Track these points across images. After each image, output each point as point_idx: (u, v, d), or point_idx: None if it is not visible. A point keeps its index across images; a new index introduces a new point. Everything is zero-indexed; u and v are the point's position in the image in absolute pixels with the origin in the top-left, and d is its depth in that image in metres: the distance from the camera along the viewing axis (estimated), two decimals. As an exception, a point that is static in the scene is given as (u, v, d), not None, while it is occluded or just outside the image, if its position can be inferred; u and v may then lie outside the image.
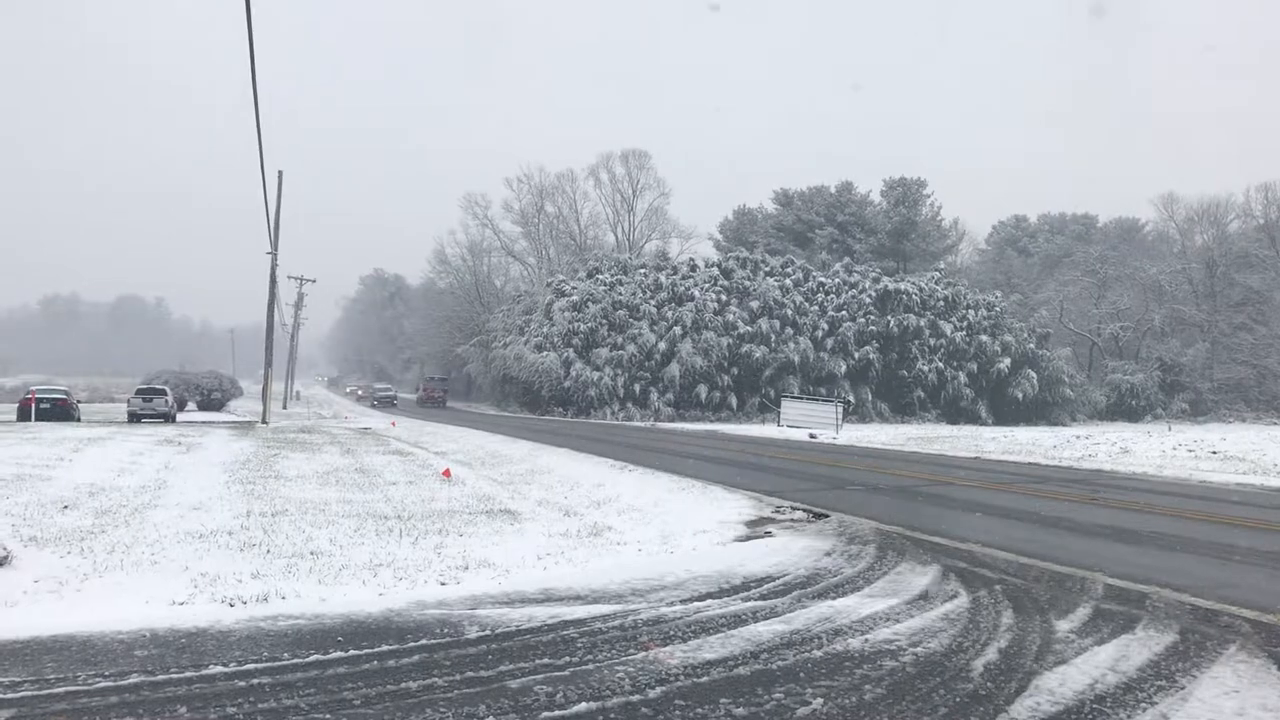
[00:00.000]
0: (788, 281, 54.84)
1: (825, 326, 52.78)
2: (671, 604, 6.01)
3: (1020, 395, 52.44)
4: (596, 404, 48.82)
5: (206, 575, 6.55)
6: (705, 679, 4.46)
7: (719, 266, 57.30)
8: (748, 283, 54.44)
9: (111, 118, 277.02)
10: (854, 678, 4.51)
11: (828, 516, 10.32)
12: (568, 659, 4.74)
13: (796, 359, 50.46)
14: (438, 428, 32.85)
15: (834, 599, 6.22)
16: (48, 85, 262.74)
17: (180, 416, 39.82)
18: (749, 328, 51.37)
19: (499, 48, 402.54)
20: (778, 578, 6.91)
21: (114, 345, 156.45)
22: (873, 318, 53.40)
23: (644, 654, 4.85)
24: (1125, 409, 57.06)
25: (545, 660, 4.71)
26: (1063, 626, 5.56)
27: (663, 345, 50.00)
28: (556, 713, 3.98)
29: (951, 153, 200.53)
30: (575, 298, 52.40)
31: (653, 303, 52.33)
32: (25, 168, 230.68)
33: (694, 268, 58.01)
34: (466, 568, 7.14)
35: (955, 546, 8.46)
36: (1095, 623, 5.66)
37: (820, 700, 4.18)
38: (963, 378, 52.32)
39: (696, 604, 6.02)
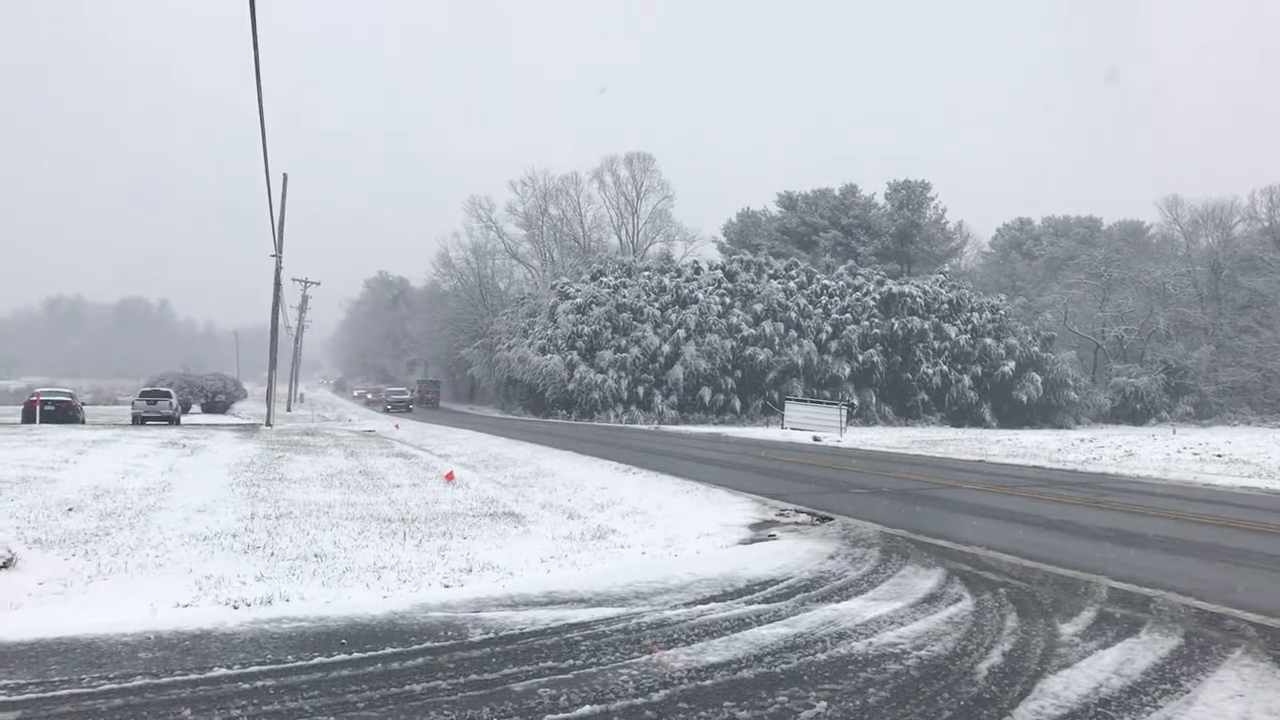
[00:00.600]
0: (792, 284, 54.85)
1: (829, 329, 52.75)
2: (675, 607, 6.01)
3: (1025, 398, 52.36)
4: (600, 406, 48.83)
5: (211, 578, 6.56)
6: (709, 682, 4.45)
7: (723, 269, 57.33)
8: (751, 285, 54.44)
9: (115, 119, 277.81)
10: (858, 681, 4.50)
11: (831, 520, 10.30)
12: (571, 662, 4.74)
13: (800, 362, 50.45)
14: (441, 430, 32.89)
15: (838, 602, 6.21)
16: (51, 86, 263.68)
17: (184, 419, 39.90)
18: (753, 330, 51.37)
19: (502, 51, 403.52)
20: (781, 581, 6.90)
21: (118, 347, 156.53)
22: (877, 320, 53.37)
23: (648, 657, 4.85)
24: (1130, 412, 56.98)
25: (549, 663, 4.71)
26: (1067, 630, 5.55)
27: (666, 348, 50.02)
28: (560, 715, 3.98)
29: (954, 154, 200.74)
30: (579, 300, 52.44)
31: (656, 305, 52.36)
32: (29, 169, 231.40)
33: (698, 270, 58.03)
34: (470, 570, 7.14)
35: (959, 550, 8.44)
36: (1100, 626, 5.65)
37: (824, 704, 4.17)
38: (967, 381, 52.26)
39: (700, 607, 6.01)
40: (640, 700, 4.17)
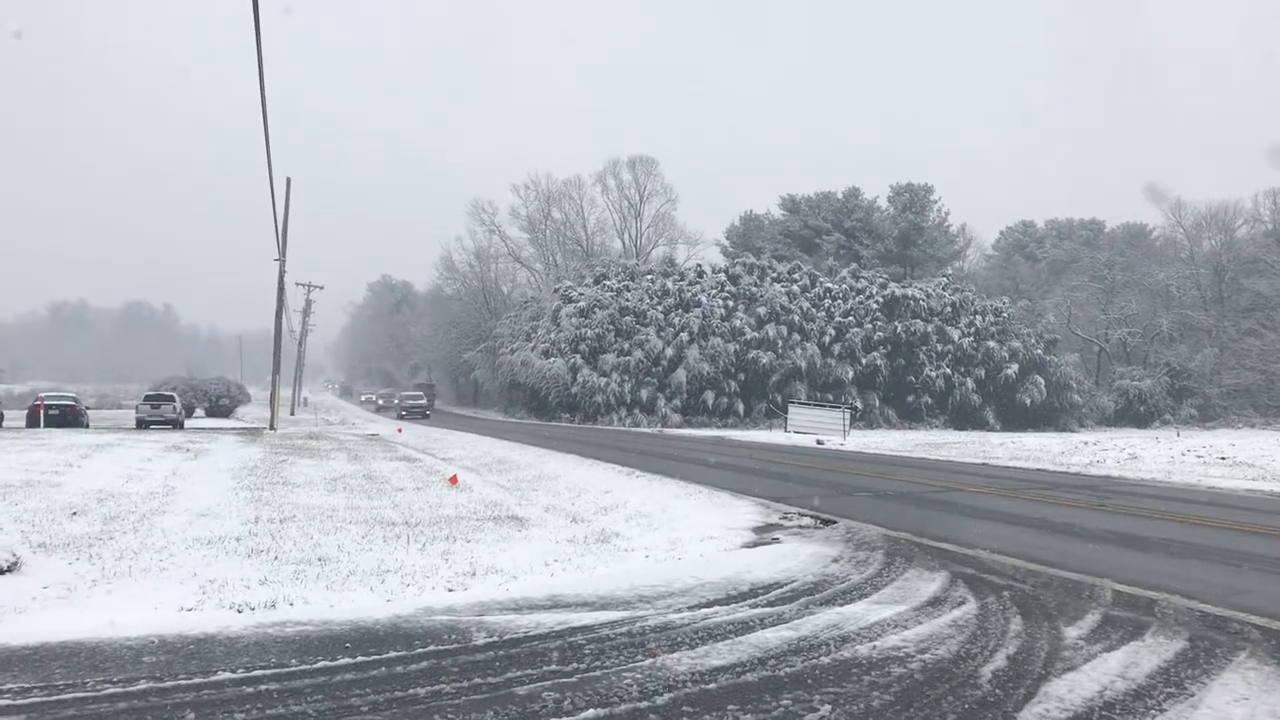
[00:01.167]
0: (795, 287, 54.83)
1: (832, 332, 52.73)
2: (679, 610, 6.00)
3: (1028, 401, 52.27)
4: (603, 410, 48.82)
5: (214, 581, 6.57)
6: (713, 686, 4.45)
7: (726, 272, 57.31)
8: (755, 289, 54.42)
9: (119, 123, 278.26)
10: (862, 684, 4.49)
11: (835, 523, 10.30)
12: (575, 665, 4.74)
13: (803, 365, 50.42)
14: (445, 434, 32.90)
15: (842, 605, 6.21)
16: (55, 90, 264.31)
17: (188, 423, 39.99)
18: (756, 334, 51.34)
19: (505, 54, 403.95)
20: (785, 584, 6.89)
21: (122, 351, 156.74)
22: (880, 323, 53.33)
23: (651, 660, 4.84)
24: (1133, 415, 56.88)
25: (553, 667, 4.71)
26: (1071, 633, 5.54)
27: (670, 351, 50.02)
28: (564, 719, 3.98)
29: (956, 157, 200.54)
30: (582, 304, 52.46)
31: (660, 309, 52.37)
32: (33, 174, 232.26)
33: (701, 274, 58.02)
34: (474, 574, 7.14)
35: (963, 553, 8.43)
36: (1104, 629, 5.64)
37: (828, 707, 4.17)
38: (970, 383, 52.19)
39: (704, 610, 6.01)
40: (644, 704, 4.17)
